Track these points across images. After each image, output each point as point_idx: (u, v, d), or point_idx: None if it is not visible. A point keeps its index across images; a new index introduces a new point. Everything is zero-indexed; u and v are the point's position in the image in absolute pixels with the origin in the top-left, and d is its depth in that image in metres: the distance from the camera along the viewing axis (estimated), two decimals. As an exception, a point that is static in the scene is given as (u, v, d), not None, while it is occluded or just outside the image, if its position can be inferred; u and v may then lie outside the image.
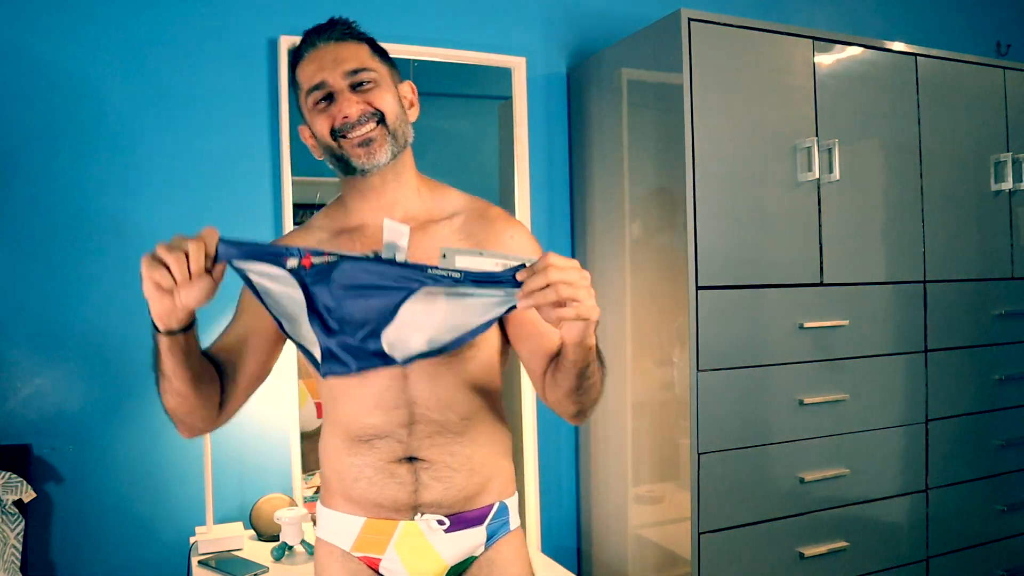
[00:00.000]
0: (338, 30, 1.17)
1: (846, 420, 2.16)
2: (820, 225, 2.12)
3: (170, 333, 0.96)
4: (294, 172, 2.07)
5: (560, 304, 0.91)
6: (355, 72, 1.13)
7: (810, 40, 2.11)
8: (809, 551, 2.09)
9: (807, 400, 2.08)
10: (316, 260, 0.96)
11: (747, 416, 2.01)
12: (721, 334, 1.98)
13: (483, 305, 0.96)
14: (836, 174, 2.10)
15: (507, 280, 0.94)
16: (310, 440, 2.21)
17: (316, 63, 1.15)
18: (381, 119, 1.13)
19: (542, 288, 0.90)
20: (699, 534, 1.95)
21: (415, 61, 2.22)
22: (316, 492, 2.11)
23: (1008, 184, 2.43)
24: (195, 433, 1.13)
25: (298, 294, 0.96)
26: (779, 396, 2.06)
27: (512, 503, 1.26)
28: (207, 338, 1.11)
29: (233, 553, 1.80)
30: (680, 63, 1.95)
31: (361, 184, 1.17)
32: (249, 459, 2.04)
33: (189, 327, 0.98)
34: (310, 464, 2.17)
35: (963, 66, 2.39)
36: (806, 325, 2.09)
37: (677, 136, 1.96)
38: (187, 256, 0.88)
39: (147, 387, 1.98)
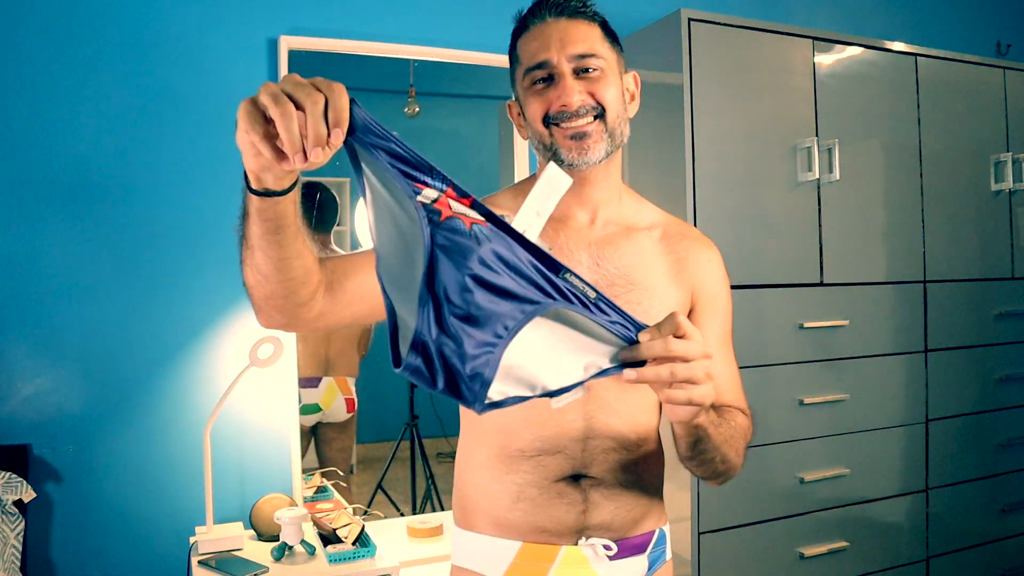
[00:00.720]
0: (571, 5, 1.06)
1: (846, 420, 2.16)
2: (820, 225, 2.12)
3: (266, 193, 0.77)
4: (294, 172, 2.07)
5: (672, 384, 0.79)
6: (582, 57, 1.03)
7: (810, 40, 2.11)
8: (809, 551, 2.08)
9: (807, 400, 2.08)
10: (458, 209, 0.70)
11: (747, 416, 2.01)
12: (721, 334, 1.98)
13: (589, 346, 0.77)
14: (836, 174, 2.10)
15: (631, 327, 0.77)
16: (314, 437, 2.21)
17: (541, 40, 1.04)
18: (601, 114, 1.03)
19: (656, 358, 0.77)
20: (699, 534, 1.95)
21: (415, 61, 2.22)
22: (316, 492, 2.11)
23: (1008, 184, 2.43)
24: (273, 325, 0.93)
25: (418, 249, 0.69)
26: (779, 396, 2.06)
27: (668, 531, 1.16)
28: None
29: (233, 553, 1.80)
30: (680, 63, 1.95)
31: (569, 173, 1.06)
32: (249, 459, 2.04)
33: (290, 189, 0.78)
34: (310, 464, 2.17)
35: (963, 66, 2.39)
36: (806, 325, 2.09)
37: (677, 136, 1.96)
38: (305, 116, 0.67)
39: (147, 387, 1.99)
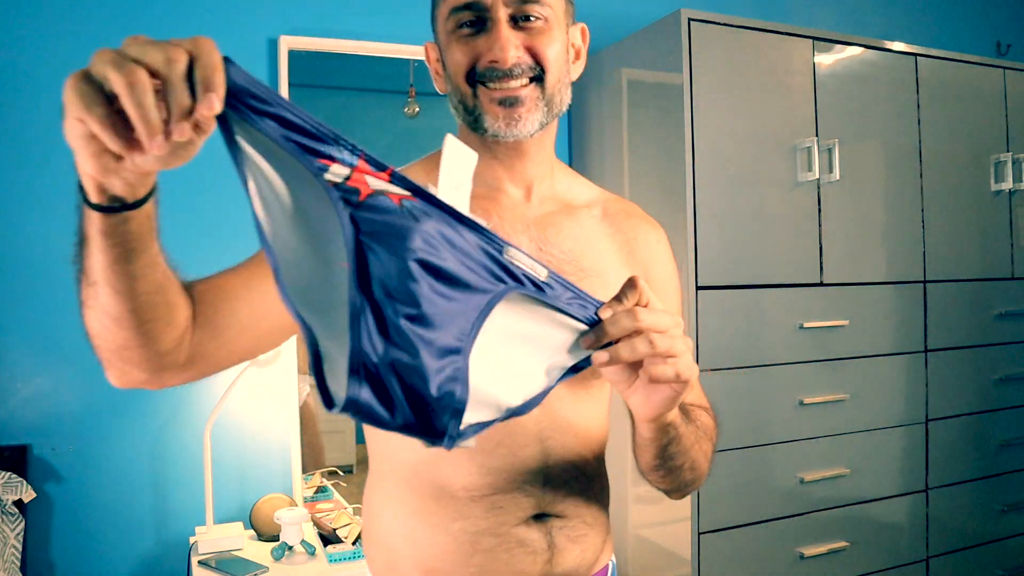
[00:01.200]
0: None
1: (846, 420, 2.16)
2: (820, 225, 2.12)
3: (111, 208, 0.57)
4: (294, 172, 2.07)
5: (653, 360, 0.67)
6: (524, 2, 0.83)
7: (810, 40, 2.11)
8: (809, 551, 2.08)
9: (807, 400, 2.08)
10: (377, 185, 0.54)
11: (747, 416, 2.01)
12: (721, 334, 1.98)
13: (547, 340, 0.64)
14: (836, 174, 2.10)
15: (589, 304, 0.66)
16: (310, 436, 2.21)
17: None
18: (539, 77, 0.85)
19: (628, 336, 0.65)
20: (699, 534, 1.95)
21: (415, 61, 2.22)
22: (316, 492, 2.11)
23: (1008, 184, 2.43)
24: (131, 383, 0.72)
25: (334, 243, 0.54)
26: (779, 396, 2.06)
27: (615, 562, 1.01)
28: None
29: (233, 553, 1.80)
30: (680, 63, 1.95)
31: (493, 145, 0.88)
32: (249, 459, 2.04)
33: (145, 199, 0.58)
34: (310, 464, 2.17)
35: (963, 66, 2.39)
36: (806, 325, 2.09)
37: (677, 136, 1.96)
38: (162, 84, 0.48)
39: (147, 387, 1.99)
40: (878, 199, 2.24)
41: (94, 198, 0.57)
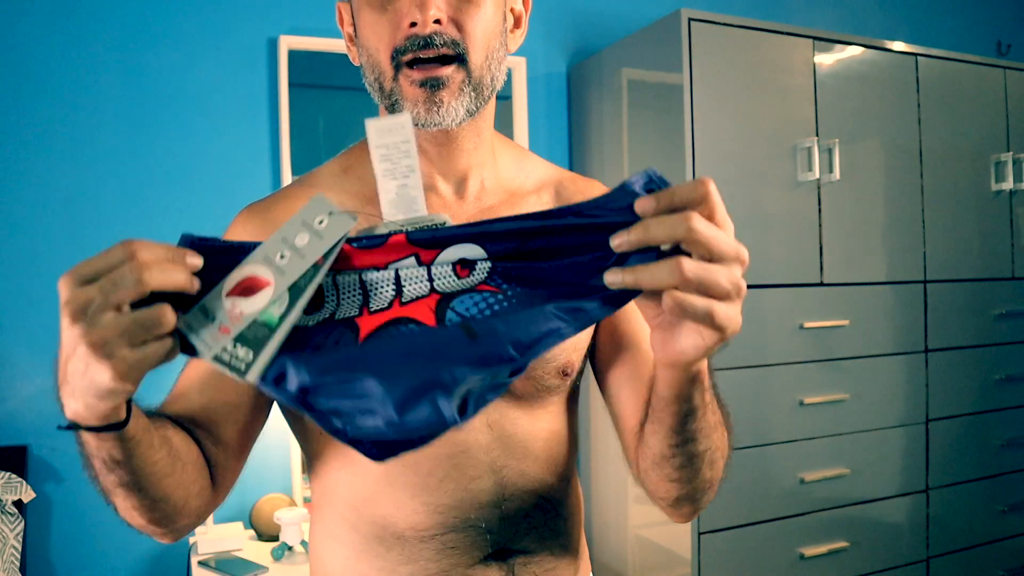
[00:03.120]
0: None
1: (846, 420, 2.16)
2: (820, 225, 2.12)
3: (116, 427, 0.59)
4: (294, 172, 2.07)
5: (687, 285, 0.51)
6: None
7: (810, 40, 2.11)
8: (809, 551, 2.08)
9: (807, 400, 2.08)
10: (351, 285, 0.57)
11: (747, 416, 2.01)
12: (721, 334, 1.97)
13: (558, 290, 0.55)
14: (836, 174, 2.10)
15: (613, 215, 0.53)
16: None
17: None
18: (462, 56, 0.72)
19: (658, 246, 0.51)
20: (699, 534, 1.95)
21: (415, 61, 2.22)
22: (316, 492, 2.10)
23: (1008, 184, 2.43)
24: (184, 533, 0.73)
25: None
26: (779, 396, 2.06)
27: None
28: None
29: (233, 553, 1.80)
30: (680, 63, 1.95)
31: (417, 137, 0.73)
32: (249, 459, 2.03)
33: (127, 419, 0.59)
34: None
35: (963, 66, 2.39)
36: (806, 325, 2.09)
37: (677, 136, 1.96)
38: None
39: (146, 387, 1.98)
40: (878, 199, 2.23)
41: (97, 422, 0.59)
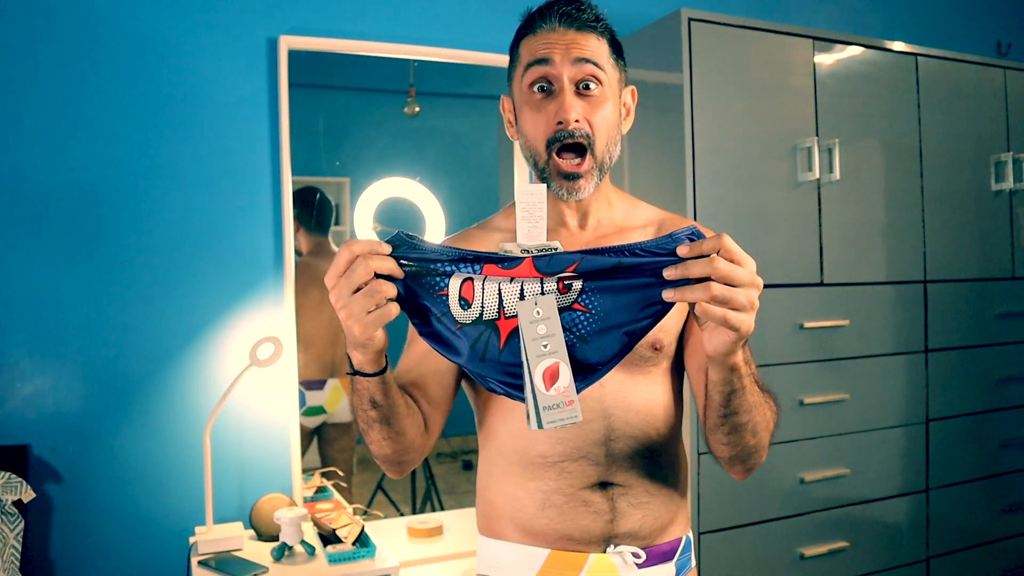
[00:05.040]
0: (583, 18, 1.02)
1: (846, 420, 2.16)
2: (820, 225, 2.12)
3: (380, 373, 0.89)
4: (294, 172, 2.07)
5: (713, 303, 0.78)
6: (585, 62, 1.00)
7: (810, 40, 2.11)
8: (809, 551, 2.08)
9: (807, 400, 2.08)
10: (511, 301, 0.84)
11: (747, 416, 2.01)
12: (721, 334, 1.97)
13: (630, 300, 0.84)
14: (836, 174, 2.10)
15: (665, 256, 0.81)
16: (317, 436, 2.21)
17: (545, 40, 1.02)
18: (590, 147, 1.01)
19: (696, 280, 0.78)
20: (699, 534, 1.95)
21: (415, 61, 2.22)
22: (316, 492, 2.11)
23: (1008, 184, 2.43)
24: (409, 469, 1.05)
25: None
26: (779, 396, 2.05)
27: (692, 539, 1.14)
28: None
29: (233, 553, 1.80)
30: (680, 63, 1.95)
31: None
32: (249, 459, 2.04)
33: (380, 372, 0.90)
34: (313, 463, 2.17)
35: (963, 66, 2.39)
36: (806, 325, 2.09)
37: (677, 136, 1.96)
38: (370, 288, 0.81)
39: (147, 387, 1.99)
40: (878, 199, 2.24)
41: (373, 369, 0.89)
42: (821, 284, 2.13)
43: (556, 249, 0.84)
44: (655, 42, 2.05)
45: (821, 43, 2.13)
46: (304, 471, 2.08)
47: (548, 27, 1.02)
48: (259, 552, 1.82)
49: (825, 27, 2.63)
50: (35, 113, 1.89)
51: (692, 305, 0.80)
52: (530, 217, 0.83)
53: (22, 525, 1.73)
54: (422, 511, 2.32)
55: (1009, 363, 2.46)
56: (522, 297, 0.84)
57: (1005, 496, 2.45)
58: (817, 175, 2.08)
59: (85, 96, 1.93)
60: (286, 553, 1.78)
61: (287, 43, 2.06)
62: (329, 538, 1.83)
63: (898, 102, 2.27)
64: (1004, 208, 2.47)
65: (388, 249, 0.82)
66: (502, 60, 2.36)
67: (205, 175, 2.02)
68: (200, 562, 1.75)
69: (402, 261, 0.83)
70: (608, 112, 1.03)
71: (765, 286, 2.07)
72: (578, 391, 0.84)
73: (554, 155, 1.01)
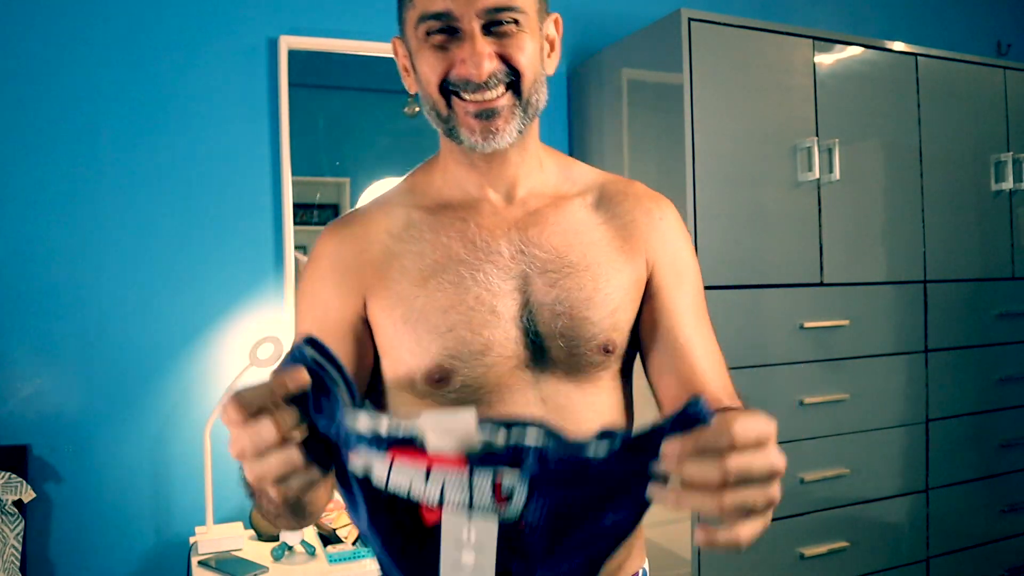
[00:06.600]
0: None
1: (846, 420, 2.16)
2: (820, 225, 2.12)
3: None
4: (294, 172, 2.07)
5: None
6: (497, 10, 0.80)
7: (810, 40, 2.11)
8: (809, 551, 2.08)
9: (807, 400, 2.08)
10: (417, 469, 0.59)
11: (747, 416, 2.01)
12: (721, 334, 1.95)
13: (596, 508, 0.61)
14: (836, 174, 2.10)
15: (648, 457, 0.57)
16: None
17: None
18: (515, 83, 0.83)
19: (710, 487, 0.54)
20: (699, 534, 1.95)
21: (415, 61, 2.22)
22: (316, 492, 2.10)
23: (1008, 184, 2.43)
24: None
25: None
26: (779, 396, 2.06)
27: (648, 570, 0.99)
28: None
29: (233, 553, 1.80)
30: (680, 63, 1.95)
31: (470, 153, 0.88)
32: (249, 459, 2.04)
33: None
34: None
35: (963, 66, 2.39)
36: (806, 325, 2.09)
37: (677, 136, 1.96)
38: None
39: (147, 387, 1.99)
40: (878, 199, 2.23)
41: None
42: (821, 284, 2.13)
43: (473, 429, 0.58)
44: (655, 42, 2.05)
45: (821, 43, 2.13)
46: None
47: None
48: (259, 552, 1.82)
49: (825, 27, 2.63)
50: (35, 112, 1.89)
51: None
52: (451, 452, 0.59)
53: (22, 525, 1.73)
54: (422, 511, 2.32)
55: (1009, 363, 2.46)
56: (442, 500, 0.59)
57: (1005, 496, 2.45)
58: (817, 175, 2.08)
59: (85, 96, 1.93)
60: (286, 553, 1.78)
61: (287, 43, 2.06)
62: (329, 538, 1.83)
63: (898, 102, 2.27)
64: (1004, 208, 2.47)
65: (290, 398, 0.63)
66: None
67: (205, 175, 2.02)
68: (200, 562, 1.75)
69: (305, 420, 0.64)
70: (529, 44, 0.84)
71: (765, 286, 2.08)
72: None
73: (455, 96, 0.82)
